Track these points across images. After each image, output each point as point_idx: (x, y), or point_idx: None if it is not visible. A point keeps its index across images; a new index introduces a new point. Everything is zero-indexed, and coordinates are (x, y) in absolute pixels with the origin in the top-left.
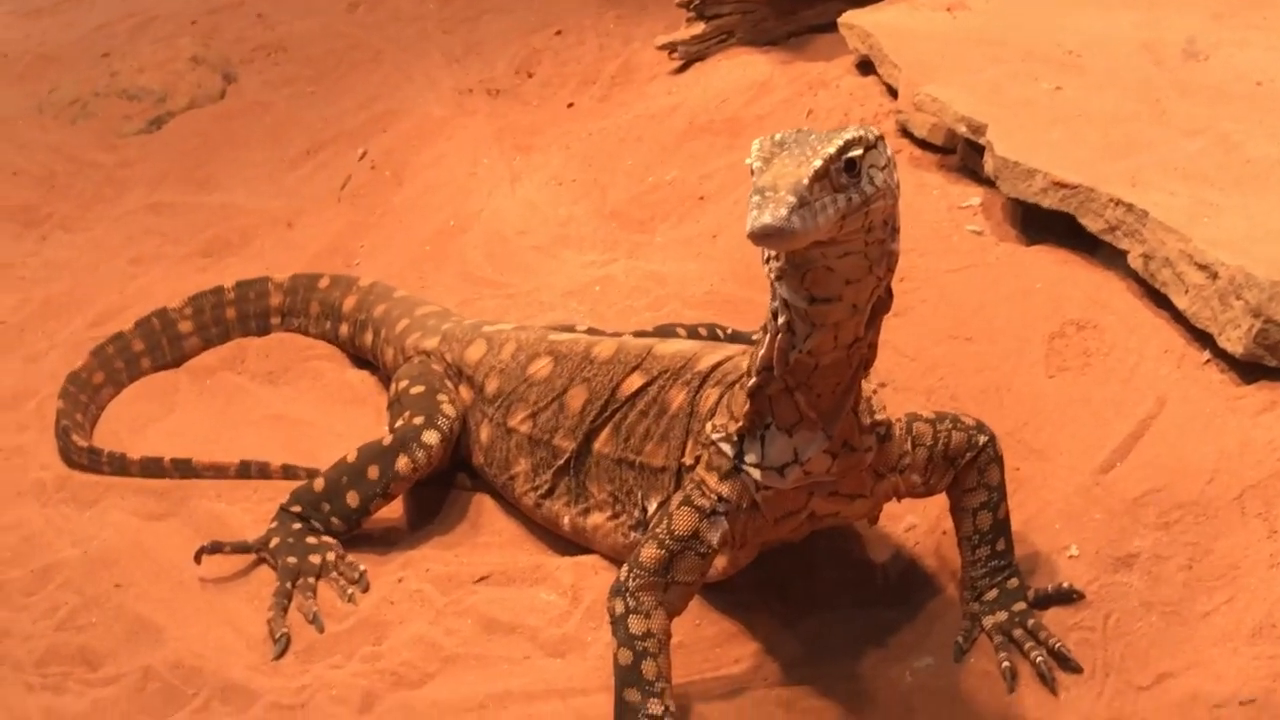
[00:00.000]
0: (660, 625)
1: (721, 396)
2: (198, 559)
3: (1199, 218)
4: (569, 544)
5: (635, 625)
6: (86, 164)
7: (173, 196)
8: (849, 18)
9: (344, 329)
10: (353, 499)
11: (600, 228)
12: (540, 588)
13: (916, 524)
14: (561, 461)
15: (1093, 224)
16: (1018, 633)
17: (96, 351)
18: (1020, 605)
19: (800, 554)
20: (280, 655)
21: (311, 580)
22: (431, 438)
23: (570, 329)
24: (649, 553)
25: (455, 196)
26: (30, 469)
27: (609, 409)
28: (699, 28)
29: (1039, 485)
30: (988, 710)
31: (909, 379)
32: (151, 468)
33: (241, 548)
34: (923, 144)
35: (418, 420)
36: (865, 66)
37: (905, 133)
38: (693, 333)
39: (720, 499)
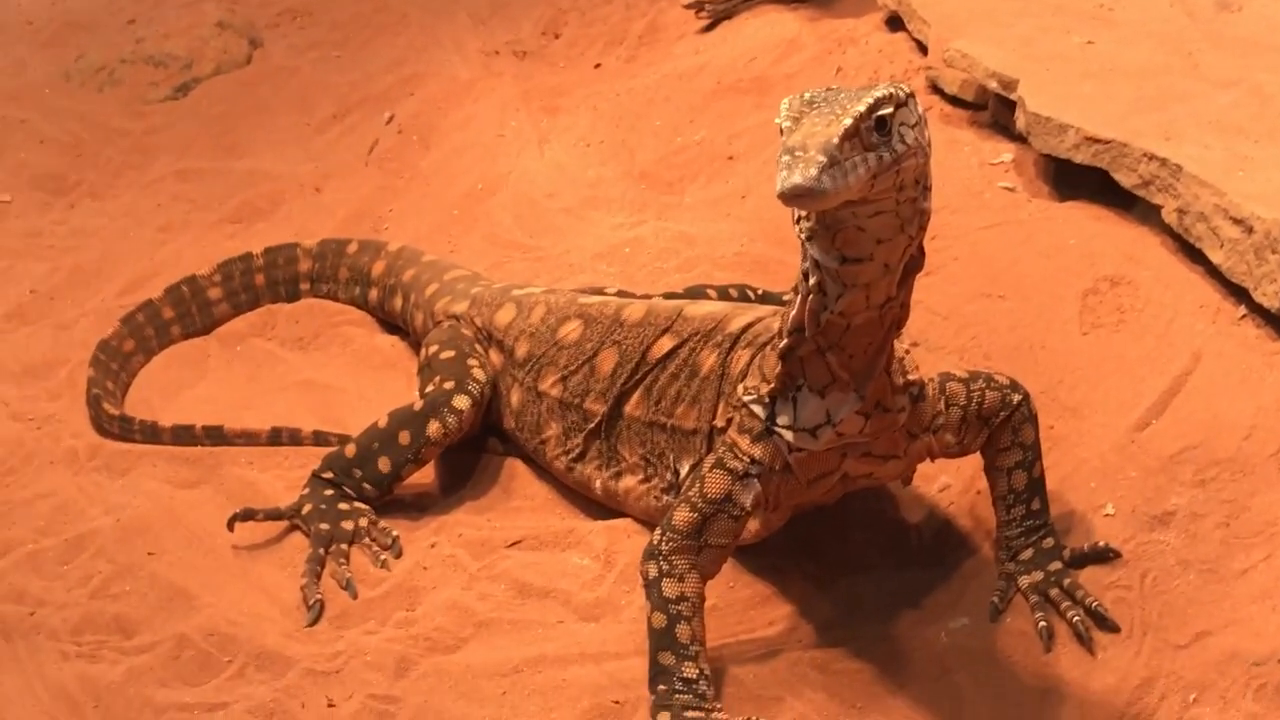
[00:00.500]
0: (694, 588)
1: (753, 358)
2: (230, 526)
3: (1234, 171)
4: (601, 508)
5: (669, 588)
6: (114, 131)
7: (200, 163)
8: None
9: (373, 294)
10: (384, 465)
11: (629, 189)
12: (573, 552)
13: (950, 484)
14: (592, 425)
15: (1126, 179)
16: (1054, 592)
17: (126, 319)
18: (1056, 565)
19: (833, 516)
20: (314, 622)
21: (344, 546)
22: (462, 402)
23: (600, 291)
24: (682, 516)
25: (483, 159)
26: (62, 438)
27: (640, 372)
28: None
29: (1074, 443)
30: (1024, 670)
31: (941, 338)
32: (183, 435)
33: (274, 515)
34: (953, 100)
35: (448, 385)
36: (894, 23)
37: (935, 89)
38: (723, 294)
39: (752, 461)
